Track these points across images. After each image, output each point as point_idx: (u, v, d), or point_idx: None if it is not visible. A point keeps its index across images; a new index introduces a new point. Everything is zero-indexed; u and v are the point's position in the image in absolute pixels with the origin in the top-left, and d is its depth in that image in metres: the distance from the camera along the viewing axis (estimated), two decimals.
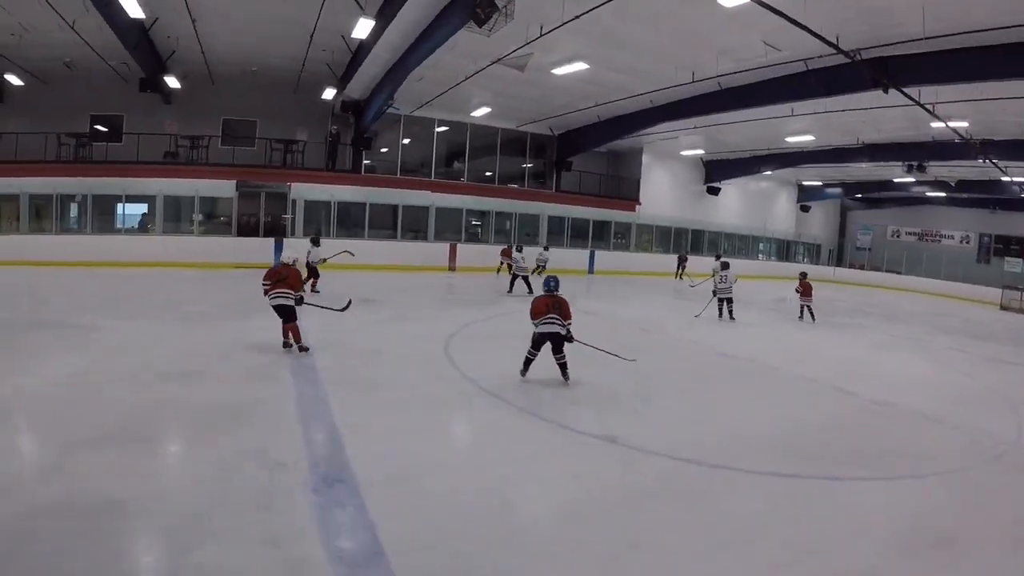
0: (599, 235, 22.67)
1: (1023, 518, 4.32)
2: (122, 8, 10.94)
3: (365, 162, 19.40)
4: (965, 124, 15.02)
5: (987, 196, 25.33)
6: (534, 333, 6.50)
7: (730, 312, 12.60)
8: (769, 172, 24.76)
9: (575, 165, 22.09)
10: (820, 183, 28.95)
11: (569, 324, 6.44)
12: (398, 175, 19.50)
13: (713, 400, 6.89)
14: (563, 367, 6.57)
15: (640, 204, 23.47)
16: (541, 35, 11.30)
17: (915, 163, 19.09)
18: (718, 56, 12.66)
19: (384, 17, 11.58)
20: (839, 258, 31.41)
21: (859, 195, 30.22)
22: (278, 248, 16.79)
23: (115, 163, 17.46)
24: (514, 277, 14.48)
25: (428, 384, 6.48)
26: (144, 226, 17.89)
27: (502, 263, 17.06)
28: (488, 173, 21.87)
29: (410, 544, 3.28)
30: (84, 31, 13.52)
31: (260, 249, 16.81)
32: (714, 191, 25.58)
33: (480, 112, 18.94)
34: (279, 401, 5.55)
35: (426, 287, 14.98)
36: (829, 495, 4.48)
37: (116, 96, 18.23)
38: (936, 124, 14.49)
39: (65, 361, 6.36)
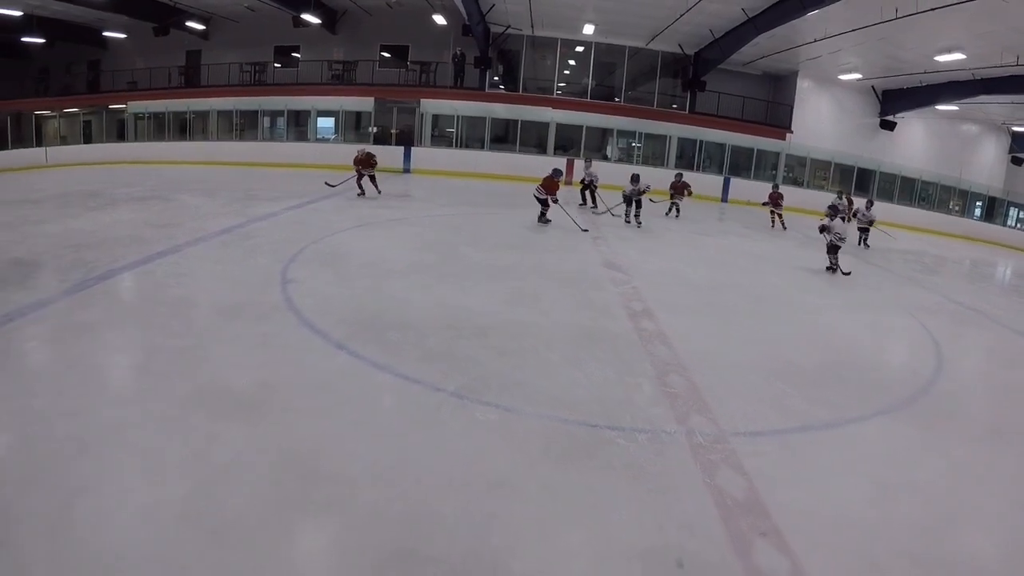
0: (745, 164, 21.13)
1: None
2: None
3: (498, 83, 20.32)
4: None
5: None
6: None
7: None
8: (954, 107, 21.00)
9: (715, 86, 20.60)
10: None
11: (552, 197, 11.23)
12: (520, 92, 20.05)
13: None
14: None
15: (792, 132, 21.23)
16: None
17: None
18: None
19: None
20: None
21: None
22: (407, 155, 18.56)
23: (281, 85, 20.28)
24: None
25: None
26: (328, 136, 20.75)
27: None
28: (629, 92, 21.53)
29: None
30: None
31: (391, 154, 18.67)
32: (888, 126, 22.30)
33: (588, 30, 18.73)
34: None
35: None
36: None
37: (291, 31, 21.00)
38: None
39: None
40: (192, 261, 7.45)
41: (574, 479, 3.45)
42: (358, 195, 13.25)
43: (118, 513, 2.85)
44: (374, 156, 13.45)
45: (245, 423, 3.73)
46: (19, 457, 3.25)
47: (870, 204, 15.00)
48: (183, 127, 21.17)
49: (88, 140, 22.51)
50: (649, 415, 4.34)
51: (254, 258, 7.75)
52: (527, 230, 11.04)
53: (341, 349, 4.99)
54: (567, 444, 3.83)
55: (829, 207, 11.92)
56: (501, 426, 3.99)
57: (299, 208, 11.52)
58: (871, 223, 14.45)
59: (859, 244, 14.34)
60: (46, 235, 8.13)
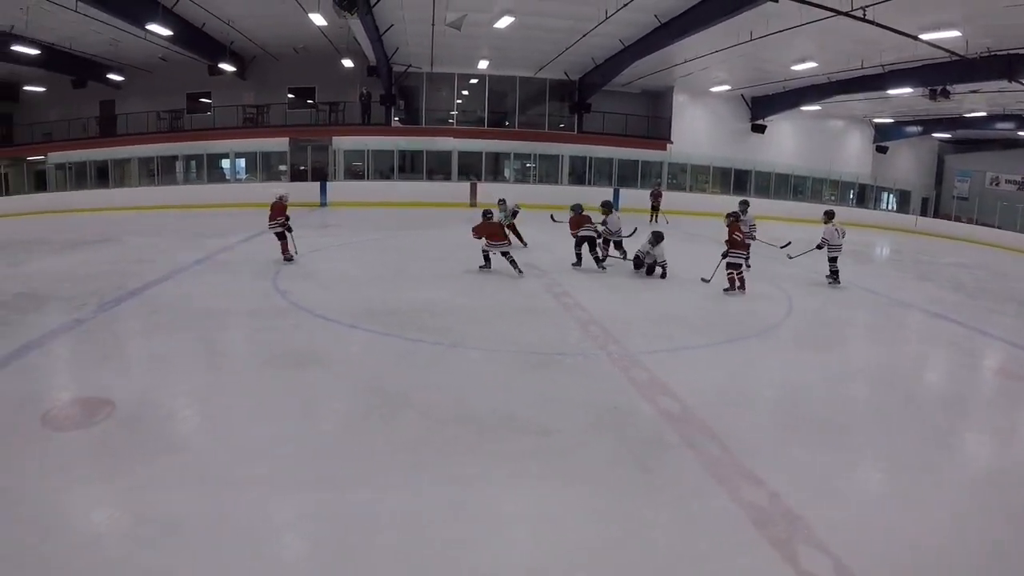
0: (632, 175, 23.49)
1: None
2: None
3: (395, 117, 22.19)
4: (956, 33, 12.73)
5: None
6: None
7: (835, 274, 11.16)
8: (818, 107, 23.79)
9: (600, 107, 22.93)
10: (892, 120, 27.02)
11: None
12: (423, 125, 21.92)
13: None
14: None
15: (672, 143, 23.73)
16: None
17: (938, 87, 17.50)
18: None
19: None
20: (936, 208, 28.99)
21: (947, 135, 27.76)
22: (323, 189, 20.13)
23: (200, 130, 21.51)
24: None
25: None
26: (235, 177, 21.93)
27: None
28: (522, 118, 23.64)
29: None
30: (152, 38, 16.22)
31: (308, 190, 20.17)
32: (759, 129, 25.02)
33: (482, 64, 20.72)
34: None
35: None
36: None
37: (205, 77, 22.11)
38: (926, 35, 12.75)
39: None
40: (187, 285, 8.69)
41: (541, 377, 5.82)
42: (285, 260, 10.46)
43: (255, 422, 4.54)
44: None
45: (316, 370, 5.65)
46: (150, 407, 4.73)
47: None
48: (103, 175, 21.86)
49: (7, 192, 22.99)
50: (580, 347, 6.78)
51: (240, 279, 9.11)
52: (451, 246, 12.16)
53: (355, 328, 6.93)
54: (531, 363, 6.13)
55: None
56: (488, 358, 6.30)
57: (248, 241, 12.70)
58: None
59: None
60: (26, 275, 9.07)
